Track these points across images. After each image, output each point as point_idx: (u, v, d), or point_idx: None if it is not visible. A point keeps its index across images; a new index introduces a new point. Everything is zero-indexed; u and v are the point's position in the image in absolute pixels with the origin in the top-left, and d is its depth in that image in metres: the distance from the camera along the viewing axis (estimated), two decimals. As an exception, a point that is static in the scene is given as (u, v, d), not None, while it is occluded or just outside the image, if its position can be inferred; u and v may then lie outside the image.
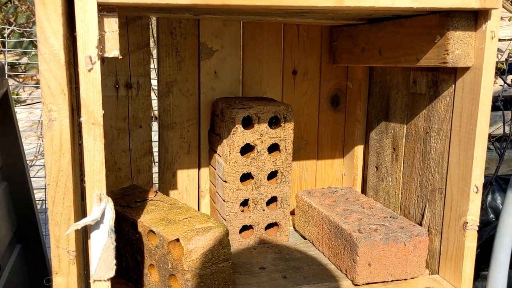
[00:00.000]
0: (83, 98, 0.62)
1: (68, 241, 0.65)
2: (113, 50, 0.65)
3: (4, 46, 2.92)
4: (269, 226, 1.11)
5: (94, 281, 0.67)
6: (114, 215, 0.66)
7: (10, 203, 1.13)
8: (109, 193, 0.69)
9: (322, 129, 1.30)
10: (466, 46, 0.84)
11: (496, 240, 1.16)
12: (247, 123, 1.04)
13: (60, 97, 0.63)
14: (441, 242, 0.95)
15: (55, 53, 0.62)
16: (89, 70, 0.62)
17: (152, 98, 1.16)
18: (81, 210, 0.77)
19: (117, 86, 1.11)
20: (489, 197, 1.87)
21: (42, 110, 0.63)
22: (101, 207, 0.64)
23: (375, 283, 0.92)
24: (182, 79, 1.15)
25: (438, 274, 0.96)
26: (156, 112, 1.19)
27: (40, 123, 2.90)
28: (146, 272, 0.88)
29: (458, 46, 0.83)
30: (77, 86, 0.67)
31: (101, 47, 0.64)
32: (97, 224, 0.66)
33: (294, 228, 1.19)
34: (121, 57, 0.64)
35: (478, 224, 0.90)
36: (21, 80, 3.37)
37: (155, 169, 1.20)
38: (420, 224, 1.01)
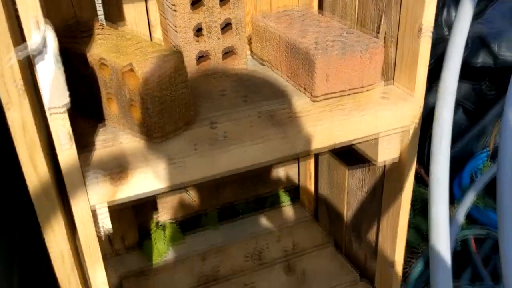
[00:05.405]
0: None
1: (13, 73, 0.62)
2: None
3: None
4: (226, 54, 1.09)
5: (51, 113, 0.66)
6: (56, 43, 0.62)
7: None
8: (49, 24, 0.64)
9: None
10: None
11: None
12: None
13: None
14: (396, 51, 0.96)
15: None
16: None
17: None
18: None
19: None
20: (444, 13, 1.86)
21: None
22: (41, 33, 0.59)
23: (333, 93, 0.94)
24: None
25: (393, 83, 0.99)
26: None
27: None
28: (105, 106, 0.87)
29: None
30: None
31: None
32: (40, 55, 0.62)
33: (252, 55, 1.18)
34: None
35: (432, 30, 0.90)
36: None
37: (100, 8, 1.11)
38: (377, 34, 1.00)
